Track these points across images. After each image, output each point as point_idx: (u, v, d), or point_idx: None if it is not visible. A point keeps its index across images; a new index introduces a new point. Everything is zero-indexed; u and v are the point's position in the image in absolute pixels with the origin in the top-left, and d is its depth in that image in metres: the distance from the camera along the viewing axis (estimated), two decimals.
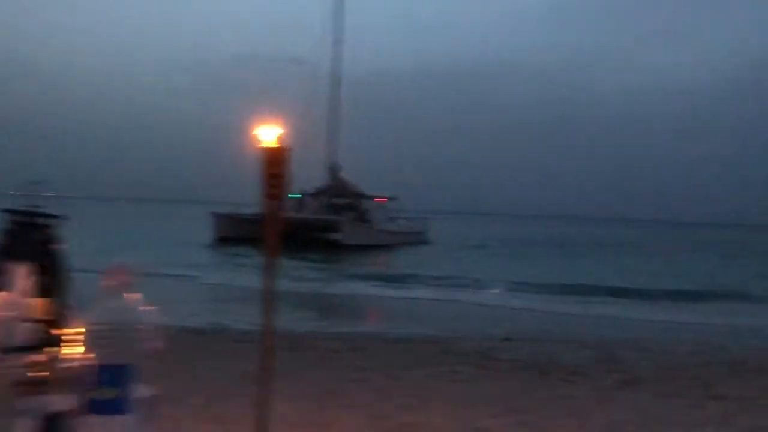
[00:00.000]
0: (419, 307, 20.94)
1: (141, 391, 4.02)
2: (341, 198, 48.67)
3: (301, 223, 42.06)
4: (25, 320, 4.05)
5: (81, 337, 3.97)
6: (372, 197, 50.16)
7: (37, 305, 4.14)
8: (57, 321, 4.18)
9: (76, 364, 3.95)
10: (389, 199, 51.66)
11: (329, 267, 33.40)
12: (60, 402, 3.92)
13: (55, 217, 4.43)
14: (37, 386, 3.95)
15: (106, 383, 3.85)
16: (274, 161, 4.82)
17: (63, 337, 4.11)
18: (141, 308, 4.03)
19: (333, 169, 50.33)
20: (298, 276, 25.36)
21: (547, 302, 22.28)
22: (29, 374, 3.97)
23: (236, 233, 41.27)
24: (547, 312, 20.07)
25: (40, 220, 4.38)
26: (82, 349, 3.95)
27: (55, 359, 4.05)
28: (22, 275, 4.13)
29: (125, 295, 3.99)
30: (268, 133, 4.84)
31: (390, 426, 6.65)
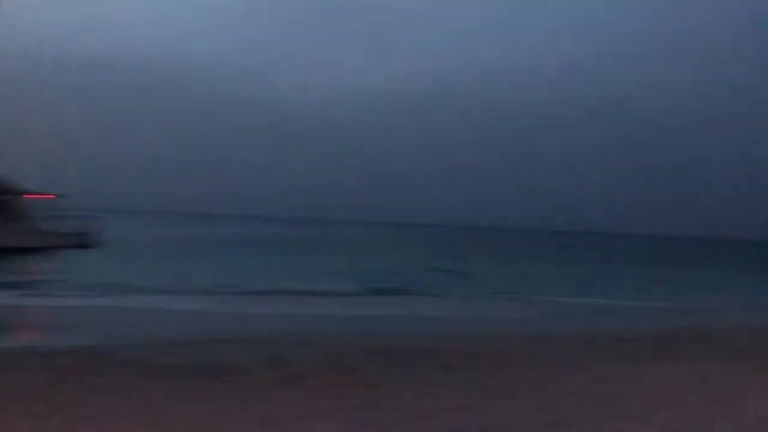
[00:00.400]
0: (72, 315, 19.12)
1: None
2: None
3: None
4: None
5: None
6: (29, 193, 44.71)
7: None
8: None
9: None
10: (56, 196, 46.54)
11: None
12: None
13: None
14: None
15: None
16: None
17: None
18: None
19: None
20: None
21: (215, 303, 22.24)
22: None
23: None
24: (216, 313, 20.03)
25: None
26: None
27: None
28: None
29: None
30: None
31: None
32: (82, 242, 46.01)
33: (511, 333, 16.79)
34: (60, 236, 44.08)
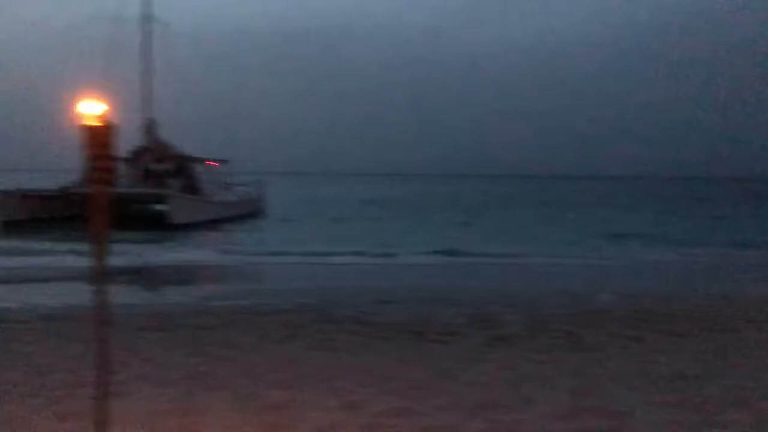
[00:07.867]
0: (289, 272, 22.28)
1: None
2: (164, 162, 43.90)
3: (116, 197, 38.90)
4: None
5: None
6: (201, 160, 46.44)
7: None
8: None
9: None
10: (221, 162, 48.34)
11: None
12: None
13: None
14: None
15: None
16: (99, 141, 4.61)
17: None
18: None
19: (150, 128, 44.73)
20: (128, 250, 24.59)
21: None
22: None
23: (28, 214, 38.12)
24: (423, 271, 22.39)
25: None
26: None
27: None
28: None
29: None
30: (90, 109, 4.56)
31: (259, 407, 6.88)
32: (253, 210, 48.86)
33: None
34: (234, 205, 45.86)
